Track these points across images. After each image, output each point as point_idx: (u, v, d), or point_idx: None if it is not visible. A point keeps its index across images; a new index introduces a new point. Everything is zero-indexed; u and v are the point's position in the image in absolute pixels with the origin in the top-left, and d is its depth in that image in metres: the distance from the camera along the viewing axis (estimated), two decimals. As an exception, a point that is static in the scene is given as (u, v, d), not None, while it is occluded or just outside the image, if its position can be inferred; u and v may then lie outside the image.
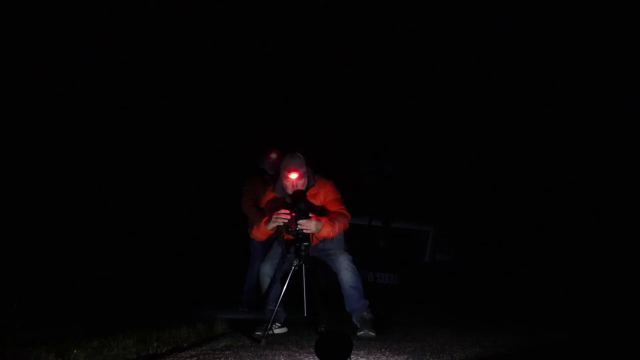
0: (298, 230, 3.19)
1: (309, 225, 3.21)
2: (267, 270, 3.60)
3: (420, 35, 8.36)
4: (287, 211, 3.26)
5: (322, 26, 8.29)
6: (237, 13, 8.14)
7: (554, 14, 7.60)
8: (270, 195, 3.66)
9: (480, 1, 7.98)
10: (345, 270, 3.48)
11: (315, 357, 2.35)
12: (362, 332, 3.35)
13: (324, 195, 3.59)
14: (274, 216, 3.30)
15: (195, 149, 8.42)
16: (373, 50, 8.64)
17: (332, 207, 3.54)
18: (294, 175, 3.45)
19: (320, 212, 3.49)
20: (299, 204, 3.27)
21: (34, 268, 5.44)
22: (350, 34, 8.45)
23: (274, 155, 4.62)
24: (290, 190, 3.57)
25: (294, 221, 3.19)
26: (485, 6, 7.88)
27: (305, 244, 3.20)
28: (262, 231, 3.47)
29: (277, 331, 3.44)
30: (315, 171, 3.66)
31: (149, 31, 7.83)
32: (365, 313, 3.46)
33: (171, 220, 7.73)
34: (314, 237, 3.35)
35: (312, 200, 3.53)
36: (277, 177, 3.68)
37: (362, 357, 2.62)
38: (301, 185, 3.56)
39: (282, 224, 3.28)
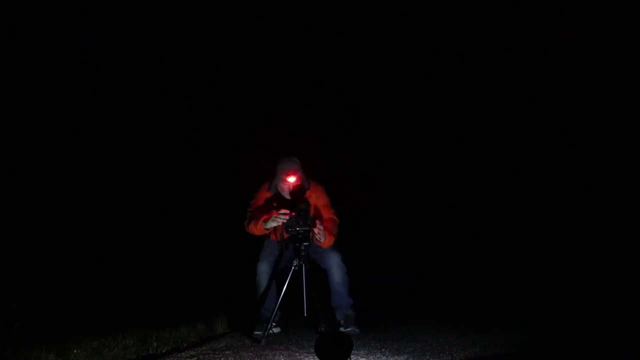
0: (298, 230, 3.19)
1: (320, 237, 3.33)
2: (265, 267, 3.60)
3: (420, 34, 8.36)
4: (287, 211, 3.27)
5: (322, 26, 8.29)
6: (237, 13, 8.14)
7: (554, 13, 7.60)
8: (265, 194, 3.66)
9: (480, 1, 7.98)
10: (336, 267, 3.55)
11: (315, 357, 2.35)
12: (348, 329, 3.41)
13: (315, 199, 3.63)
14: (274, 215, 3.32)
15: (194, 148, 8.42)
16: (373, 50, 8.64)
17: (323, 212, 3.60)
18: (292, 179, 3.47)
19: (318, 212, 3.55)
20: (299, 204, 3.27)
21: (34, 268, 5.45)
22: (350, 34, 8.45)
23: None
24: (287, 193, 3.59)
25: (294, 221, 3.19)
26: (486, 6, 7.88)
27: (305, 243, 3.19)
28: (259, 229, 3.50)
29: (272, 330, 3.44)
30: (308, 175, 3.68)
31: (148, 31, 7.83)
32: (350, 312, 3.55)
33: (171, 220, 7.73)
34: (313, 238, 3.36)
35: None
36: (272, 177, 3.67)
37: (362, 357, 2.62)
38: (298, 188, 3.58)
39: (281, 223, 3.29)
